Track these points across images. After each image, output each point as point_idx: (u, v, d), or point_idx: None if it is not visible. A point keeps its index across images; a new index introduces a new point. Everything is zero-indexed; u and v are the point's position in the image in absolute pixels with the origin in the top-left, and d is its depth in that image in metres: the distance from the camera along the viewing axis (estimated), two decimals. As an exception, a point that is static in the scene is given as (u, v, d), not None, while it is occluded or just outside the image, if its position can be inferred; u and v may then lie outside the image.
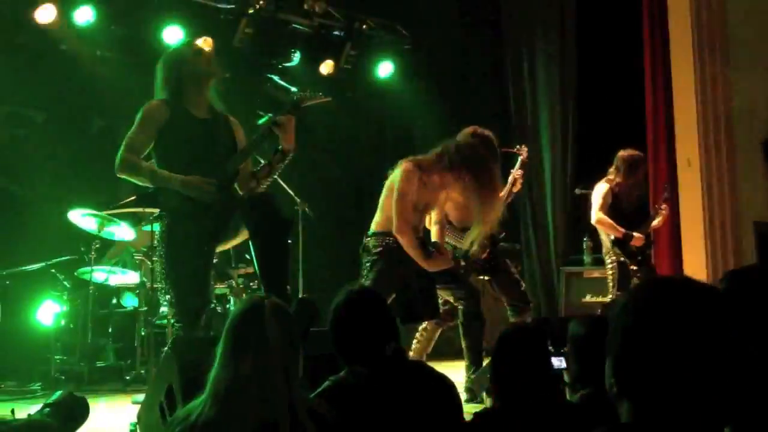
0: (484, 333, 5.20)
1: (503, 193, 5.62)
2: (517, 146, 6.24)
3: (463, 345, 5.18)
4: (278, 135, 4.10)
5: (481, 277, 5.71)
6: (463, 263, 5.42)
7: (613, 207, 6.30)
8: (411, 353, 5.31)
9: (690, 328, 1.31)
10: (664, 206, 6.44)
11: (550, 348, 3.47)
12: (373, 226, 5.03)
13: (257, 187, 4.20)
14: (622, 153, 6.40)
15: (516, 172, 5.94)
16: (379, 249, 4.91)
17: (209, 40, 7.35)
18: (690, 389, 1.29)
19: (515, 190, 5.94)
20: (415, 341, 5.45)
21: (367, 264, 4.93)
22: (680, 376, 1.29)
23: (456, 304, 5.17)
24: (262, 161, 4.40)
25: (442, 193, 5.08)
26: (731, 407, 1.32)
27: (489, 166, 4.94)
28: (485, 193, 4.85)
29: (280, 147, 4.15)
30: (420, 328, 5.48)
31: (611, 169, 6.41)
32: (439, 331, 5.47)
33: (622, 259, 6.19)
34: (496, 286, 5.67)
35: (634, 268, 6.15)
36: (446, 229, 5.35)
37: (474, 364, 5.11)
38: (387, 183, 5.01)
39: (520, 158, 6.06)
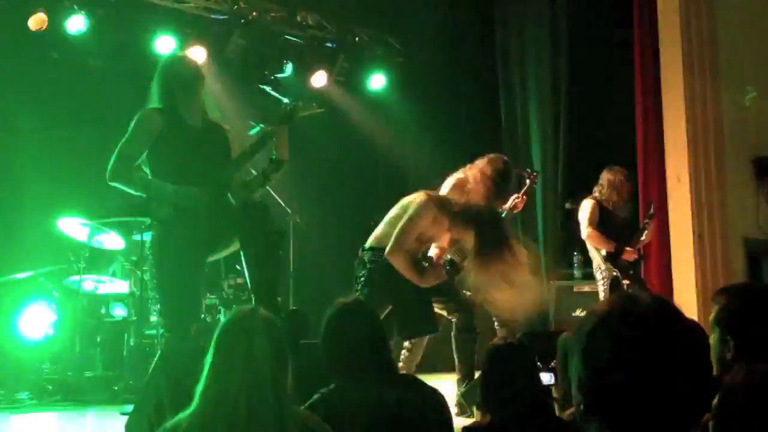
0: (476, 346, 5.19)
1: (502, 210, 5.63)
2: (528, 170, 6.22)
3: (456, 358, 5.16)
4: (271, 145, 4.11)
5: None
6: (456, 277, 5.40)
7: (602, 222, 6.32)
8: (401, 363, 5.29)
9: (652, 344, 1.32)
10: (648, 222, 6.43)
11: (539, 363, 3.49)
12: (372, 240, 4.98)
13: (250, 196, 4.20)
14: (606, 171, 6.44)
15: (518, 197, 5.87)
16: (373, 264, 4.89)
17: (201, 48, 7.37)
18: (656, 405, 1.30)
19: (513, 211, 5.89)
20: (404, 350, 5.42)
21: (361, 278, 4.91)
22: (646, 393, 1.30)
23: (450, 318, 5.16)
24: (254, 171, 4.40)
25: (448, 233, 5.01)
26: (694, 422, 1.33)
27: (499, 233, 4.78)
28: (481, 259, 4.73)
29: (273, 156, 4.15)
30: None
31: (596, 187, 6.46)
32: (426, 339, 5.42)
33: (614, 273, 6.20)
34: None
35: (627, 282, 6.16)
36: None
37: (465, 378, 5.10)
38: (402, 202, 4.94)
39: (528, 182, 6.02)
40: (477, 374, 4.90)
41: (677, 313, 1.39)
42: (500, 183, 5.36)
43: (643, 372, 1.30)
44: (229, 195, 4.14)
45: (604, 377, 1.33)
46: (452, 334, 5.15)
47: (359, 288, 4.88)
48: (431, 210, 4.77)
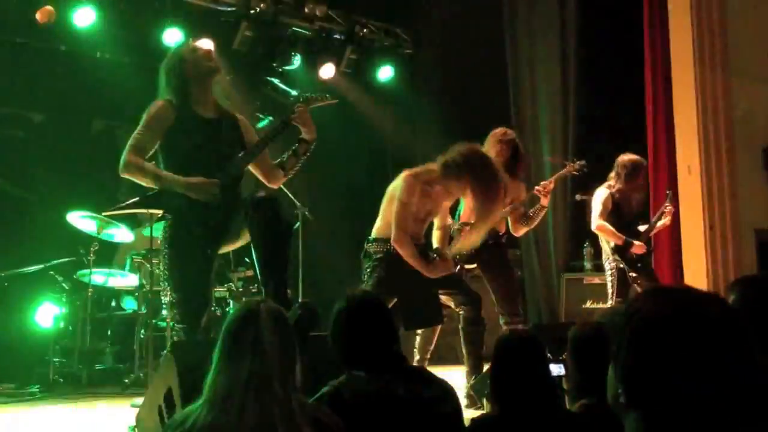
0: (484, 338, 5.19)
1: (512, 205, 5.64)
2: (571, 161, 6.34)
3: (464, 351, 5.16)
4: (282, 134, 4.13)
5: (467, 267, 5.68)
6: (461, 267, 5.40)
7: (614, 213, 6.28)
8: (415, 349, 5.31)
9: (703, 336, 1.30)
10: (668, 205, 6.37)
11: (549, 355, 3.47)
12: (374, 232, 5.03)
13: (285, 177, 4.28)
14: (621, 158, 6.38)
15: (547, 183, 5.95)
16: (379, 255, 4.92)
17: (209, 41, 7.36)
18: (702, 400, 1.29)
19: (542, 203, 5.87)
20: (418, 337, 5.41)
21: (368, 269, 4.93)
22: (693, 386, 1.29)
23: (457, 310, 5.16)
24: (284, 157, 4.40)
25: (446, 201, 5.09)
26: (741, 419, 1.31)
27: (491, 170, 4.92)
28: (487, 197, 4.84)
29: (302, 137, 4.19)
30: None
31: (611, 175, 6.39)
32: (438, 328, 5.40)
33: (621, 265, 6.17)
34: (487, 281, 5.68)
35: (634, 274, 6.14)
36: (464, 230, 5.33)
37: (474, 370, 5.10)
38: (388, 189, 5.02)
39: (565, 170, 6.23)
40: (486, 366, 4.90)
41: (730, 308, 1.37)
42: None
43: (694, 367, 1.28)
44: (261, 179, 4.19)
45: (653, 370, 1.31)
46: (460, 326, 5.15)
47: (366, 279, 4.91)
48: (416, 185, 4.86)
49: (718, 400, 1.29)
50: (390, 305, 4.79)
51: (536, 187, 5.88)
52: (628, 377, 1.35)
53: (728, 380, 1.29)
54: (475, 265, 5.67)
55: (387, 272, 4.86)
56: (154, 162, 4.07)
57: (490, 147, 5.61)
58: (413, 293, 4.92)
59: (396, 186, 4.94)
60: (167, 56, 4.35)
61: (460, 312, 5.14)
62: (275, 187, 4.40)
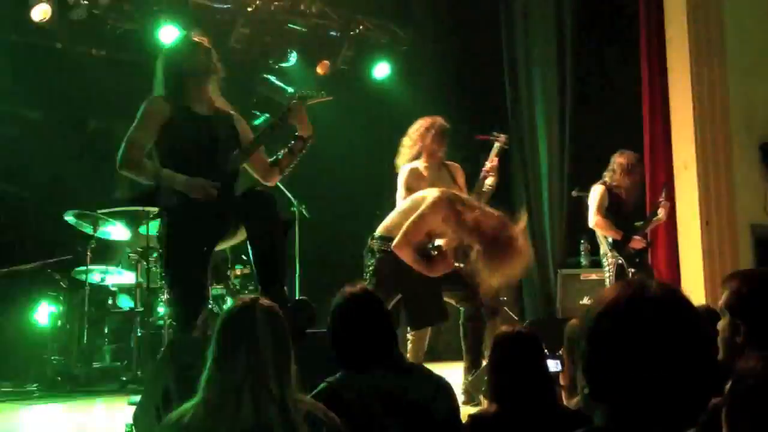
0: (484, 335, 5.18)
1: (476, 193, 5.53)
2: (494, 133, 5.89)
3: (464, 347, 5.16)
4: (278, 132, 4.12)
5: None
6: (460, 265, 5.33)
7: (611, 209, 6.29)
8: (408, 355, 5.28)
9: (655, 329, 1.33)
10: (662, 200, 6.36)
11: (546, 351, 3.48)
12: (381, 230, 4.97)
13: (281, 175, 4.25)
14: (617, 155, 6.39)
15: (489, 163, 5.64)
16: (382, 254, 4.89)
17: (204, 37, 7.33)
18: (661, 392, 1.32)
19: (489, 183, 5.63)
20: (409, 342, 5.40)
21: (370, 267, 4.91)
22: (651, 379, 1.32)
23: (458, 306, 5.15)
24: (280, 154, 4.37)
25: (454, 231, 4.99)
26: (699, 409, 1.35)
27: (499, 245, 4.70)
28: (492, 263, 4.71)
29: (298, 134, 4.17)
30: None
31: (607, 172, 6.41)
32: (429, 328, 5.37)
33: (620, 261, 6.18)
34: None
35: (632, 270, 6.15)
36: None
37: (473, 366, 5.10)
38: (414, 196, 4.94)
39: (497, 145, 5.73)
40: (484, 363, 4.90)
41: (684, 301, 1.40)
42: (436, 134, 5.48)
43: (649, 359, 1.31)
44: (257, 176, 4.17)
45: (610, 363, 1.34)
46: (460, 322, 5.14)
47: (368, 277, 4.89)
48: (443, 209, 4.76)
49: (675, 390, 1.32)
50: (392, 303, 4.79)
51: (483, 169, 5.70)
52: (588, 370, 1.38)
53: (682, 372, 1.31)
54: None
55: (391, 270, 4.84)
56: (153, 159, 4.07)
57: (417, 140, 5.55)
58: (419, 291, 4.89)
59: (426, 197, 4.85)
60: (165, 50, 4.34)
61: (462, 308, 5.13)
62: (271, 184, 4.38)
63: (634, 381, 1.32)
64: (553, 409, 2.57)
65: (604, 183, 6.36)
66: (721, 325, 2.32)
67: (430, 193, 4.87)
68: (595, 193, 6.34)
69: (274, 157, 4.26)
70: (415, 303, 4.93)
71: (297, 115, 4.11)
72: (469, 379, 4.99)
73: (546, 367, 2.72)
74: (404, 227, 4.77)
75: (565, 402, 3.25)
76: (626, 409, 1.33)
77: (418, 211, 4.78)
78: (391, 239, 4.83)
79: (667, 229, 6.79)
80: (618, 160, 6.34)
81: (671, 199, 6.30)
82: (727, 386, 1.62)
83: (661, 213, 6.36)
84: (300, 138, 4.18)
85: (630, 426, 1.33)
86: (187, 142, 4.01)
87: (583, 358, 1.39)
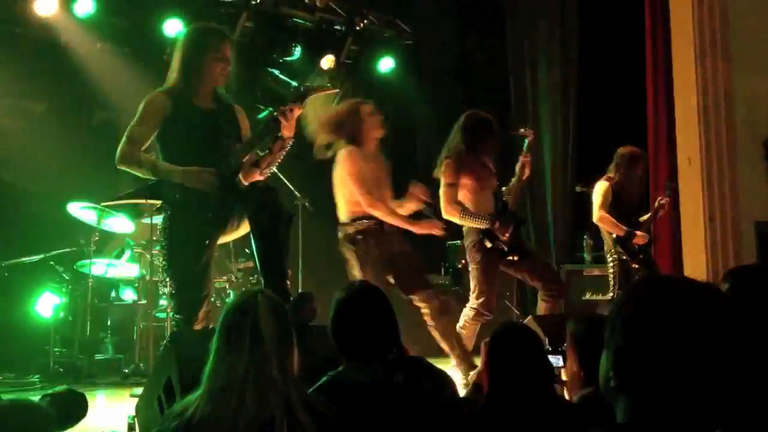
0: (456, 327, 5.17)
1: (513, 184, 5.57)
2: (522, 129, 5.91)
3: (446, 345, 5.12)
4: (280, 124, 4.08)
5: (510, 258, 5.38)
6: (489, 244, 5.26)
7: (615, 204, 6.28)
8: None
9: (695, 323, 1.32)
10: (662, 198, 6.37)
11: (548, 347, 3.47)
12: (344, 215, 5.02)
13: (260, 175, 4.17)
14: (621, 150, 6.38)
15: (524, 157, 5.66)
16: (362, 235, 4.90)
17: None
18: (692, 386, 1.30)
19: (525, 176, 5.68)
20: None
21: (359, 252, 4.91)
22: (683, 372, 1.30)
23: (423, 305, 5.08)
24: (261, 153, 4.37)
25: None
26: (729, 406, 1.33)
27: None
28: None
29: (279, 134, 4.09)
30: (460, 324, 5.31)
31: (611, 167, 6.39)
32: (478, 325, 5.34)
33: (624, 257, 6.17)
34: (526, 271, 5.46)
35: (636, 266, 6.14)
36: (463, 213, 5.24)
37: (463, 360, 5.08)
38: (333, 174, 5.05)
39: (527, 141, 5.75)
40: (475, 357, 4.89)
41: (721, 297, 1.39)
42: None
43: (686, 350, 1.30)
44: (240, 176, 4.13)
45: (645, 352, 1.33)
46: (429, 323, 5.06)
47: (360, 266, 4.89)
48: (353, 153, 4.92)
49: (707, 385, 1.30)
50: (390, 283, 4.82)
51: (518, 164, 5.71)
52: (619, 361, 1.37)
53: (718, 366, 1.30)
54: (516, 257, 5.39)
55: (378, 248, 4.86)
56: (153, 153, 4.06)
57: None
58: (400, 264, 4.94)
59: (335, 164, 5.01)
60: (191, 32, 4.26)
61: (426, 307, 5.03)
62: (246, 182, 4.30)
63: (666, 374, 1.30)
64: (553, 404, 2.57)
65: (608, 178, 6.34)
66: None
67: (339, 158, 4.98)
68: (599, 188, 6.33)
69: (255, 158, 4.24)
70: (398, 273, 4.94)
71: (288, 116, 4.02)
72: (471, 373, 4.98)
73: (545, 360, 2.71)
74: (357, 191, 4.86)
75: (567, 397, 3.25)
76: (654, 402, 1.32)
77: (345, 175, 4.91)
78: (354, 219, 4.90)
79: (670, 225, 6.78)
80: (621, 154, 6.33)
81: (675, 196, 6.30)
82: None
83: (660, 209, 6.37)
84: (280, 138, 4.11)
85: (656, 422, 1.32)
86: (188, 135, 4.01)
87: (612, 349, 1.38)
